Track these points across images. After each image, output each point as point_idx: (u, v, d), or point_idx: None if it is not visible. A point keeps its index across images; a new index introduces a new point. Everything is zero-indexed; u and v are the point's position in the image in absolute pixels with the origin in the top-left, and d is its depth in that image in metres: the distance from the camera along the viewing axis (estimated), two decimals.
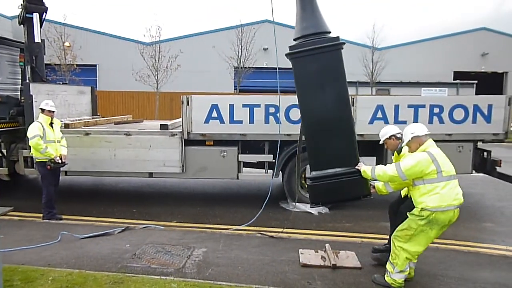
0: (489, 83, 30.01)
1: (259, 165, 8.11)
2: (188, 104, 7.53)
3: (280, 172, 7.87)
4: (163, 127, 7.88)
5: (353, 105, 7.31)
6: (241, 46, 25.71)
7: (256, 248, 5.61)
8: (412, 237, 4.22)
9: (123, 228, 6.26)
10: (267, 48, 30.48)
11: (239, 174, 7.81)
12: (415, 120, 7.46)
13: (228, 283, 4.50)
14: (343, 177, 4.70)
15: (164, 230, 6.39)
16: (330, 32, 4.70)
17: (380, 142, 4.87)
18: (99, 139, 7.78)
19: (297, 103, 5.19)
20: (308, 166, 7.61)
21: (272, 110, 7.52)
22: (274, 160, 7.81)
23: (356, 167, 4.70)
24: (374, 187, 4.90)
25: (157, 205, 8.16)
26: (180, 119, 7.86)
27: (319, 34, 4.66)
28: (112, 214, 7.46)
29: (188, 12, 75.30)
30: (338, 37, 4.68)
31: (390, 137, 4.82)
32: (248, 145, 7.90)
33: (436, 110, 7.51)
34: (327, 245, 5.47)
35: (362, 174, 4.62)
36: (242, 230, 6.41)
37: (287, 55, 4.89)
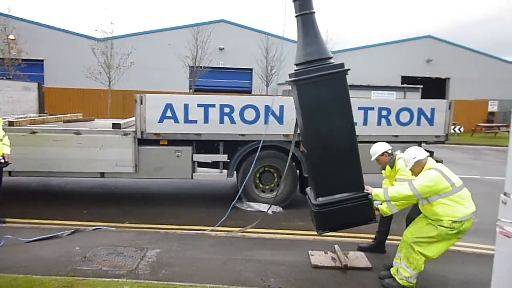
0: (433, 87, 31.72)
1: (214, 165, 8.12)
2: (141, 103, 7.39)
3: (235, 171, 7.91)
4: (116, 126, 7.69)
5: None
6: (197, 45, 25.50)
7: (211, 248, 5.63)
8: (435, 243, 4.30)
9: (73, 231, 6.07)
10: (223, 48, 30.45)
11: (193, 174, 7.78)
12: (365, 121, 7.79)
13: (182, 283, 4.50)
14: (350, 202, 4.61)
15: (116, 231, 6.25)
16: (331, 57, 4.61)
17: (372, 159, 4.98)
18: (47, 138, 7.45)
19: (299, 127, 5.01)
20: (259, 167, 7.87)
21: (227, 110, 7.56)
22: (228, 160, 7.87)
23: (365, 191, 4.64)
24: (378, 209, 4.93)
25: (109, 206, 7.93)
26: (134, 118, 7.71)
27: (323, 60, 4.54)
28: (60, 216, 7.13)
29: (143, 9, 73.54)
30: (343, 63, 4.57)
31: (383, 154, 5.02)
32: (202, 145, 7.88)
33: (384, 112, 7.87)
34: (336, 246, 5.55)
35: (374, 197, 4.57)
36: (197, 230, 6.40)
37: (292, 81, 4.63)
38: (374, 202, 4.75)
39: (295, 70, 4.66)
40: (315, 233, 6.28)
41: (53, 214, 7.23)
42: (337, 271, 4.98)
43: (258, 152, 6.86)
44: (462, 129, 24.22)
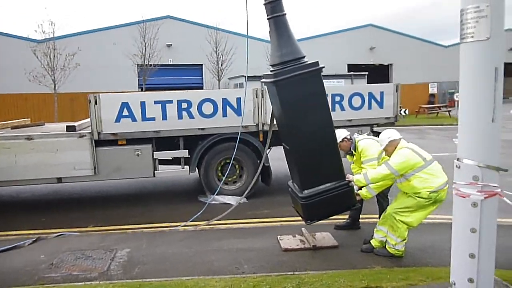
0: (377, 73, 33.10)
1: (175, 161, 8.10)
2: (96, 103, 7.21)
3: (196, 167, 7.93)
4: (70, 128, 7.45)
5: (262, 97, 7.66)
6: (145, 43, 24.95)
7: (181, 242, 5.67)
8: (415, 212, 4.70)
9: (34, 239, 5.87)
10: (171, 44, 30.01)
11: (155, 172, 7.72)
12: None
13: (157, 279, 4.52)
14: (334, 191, 4.83)
15: (80, 236, 6.13)
16: (305, 56, 4.73)
17: None
18: None
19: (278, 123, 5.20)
20: (221, 160, 7.94)
21: (184, 105, 7.56)
22: (189, 156, 7.88)
23: (346, 179, 4.88)
24: (359, 195, 5.21)
25: (69, 212, 7.69)
26: (88, 120, 7.51)
27: (298, 59, 4.65)
28: (18, 226, 6.82)
29: (85, 7, 70.50)
30: (317, 61, 4.71)
31: (342, 140, 5.34)
32: (162, 142, 7.82)
33: (337, 98, 8.20)
34: (303, 229, 5.73)
35: (356, 183, 4.85)
36: (165, 227, 6.40)
37: (271, 82, 4.66)
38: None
39: (271, 71, 4.74)
40: (282, 219, 6.54)
41: (10, 225, 6.90)
42: (306, 251, 5.19)
43: (237, 143, 7.09)
44: (407, 111, 25.49)
